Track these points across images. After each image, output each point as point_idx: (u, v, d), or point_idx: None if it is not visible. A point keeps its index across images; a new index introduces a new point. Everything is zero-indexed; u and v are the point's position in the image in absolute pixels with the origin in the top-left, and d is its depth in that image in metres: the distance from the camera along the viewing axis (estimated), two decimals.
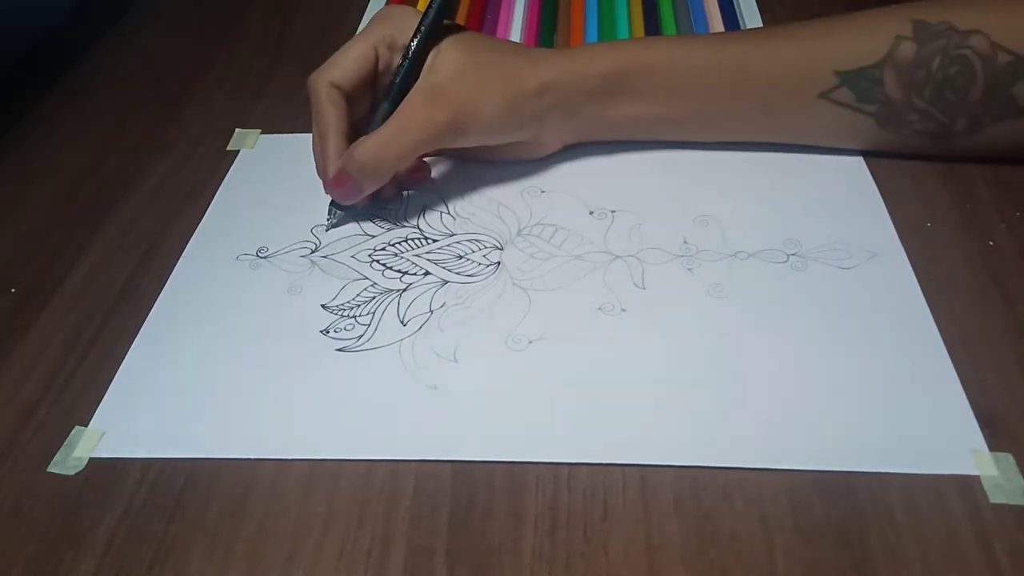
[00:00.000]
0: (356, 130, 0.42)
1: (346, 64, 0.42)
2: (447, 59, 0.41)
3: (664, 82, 0.42)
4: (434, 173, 0.47)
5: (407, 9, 0.43)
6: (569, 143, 0.46)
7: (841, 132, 0.44)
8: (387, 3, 0.53)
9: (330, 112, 0.41)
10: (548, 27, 0.57)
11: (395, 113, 0.41)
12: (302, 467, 0.33)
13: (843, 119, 0.42)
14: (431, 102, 0.40)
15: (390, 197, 0.45)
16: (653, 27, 0.56)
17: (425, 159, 0.46)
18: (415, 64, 0.42)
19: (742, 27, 0.55)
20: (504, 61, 0.42)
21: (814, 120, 0.43)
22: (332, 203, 0.44)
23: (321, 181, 0.43)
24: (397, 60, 0.42)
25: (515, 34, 0.57)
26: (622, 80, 0.42)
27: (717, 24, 0.56)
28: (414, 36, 0.41)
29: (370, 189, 0.42)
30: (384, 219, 0.44)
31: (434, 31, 0.42)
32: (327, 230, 0.44)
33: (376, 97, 0.44)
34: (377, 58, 0.43)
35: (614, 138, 0.46)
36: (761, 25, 0.54)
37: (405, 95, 0.41)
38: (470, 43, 0.42)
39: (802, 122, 0.44)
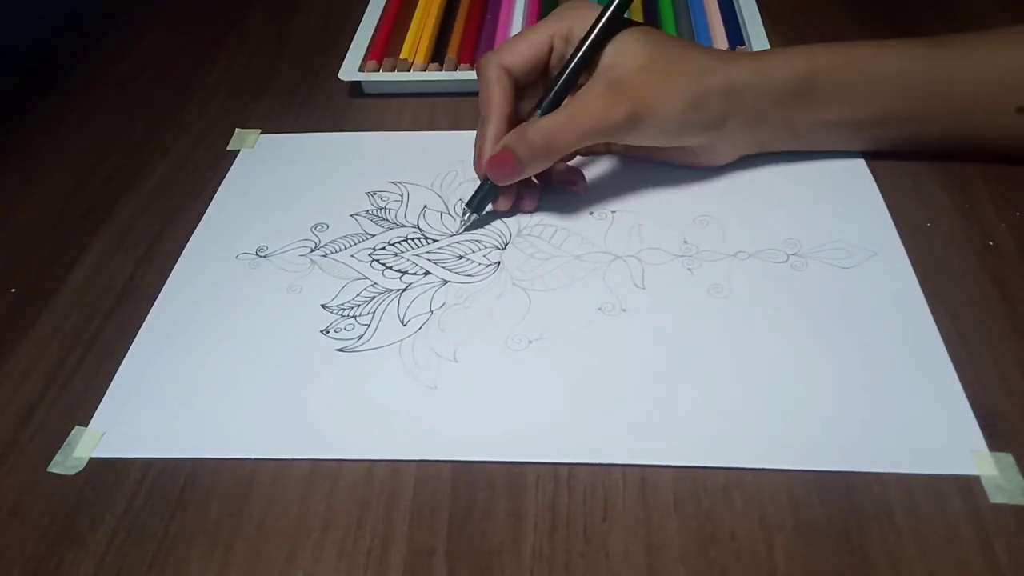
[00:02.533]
0: (519, 119, 0.42)
1: (519, 49, 0.42)
2: (629, 52, 0.40)
3: (856, 88, 0.41)
4: (433, 172, 0.47)
5: (589, 4, 0.42)
6: (746, 153, 0.45)
7: None
8: None
9: (496, 93, 0.41)
10: None
11: (573, 99, 0.40)
12: (302, 467, 0.33)
13: None
14: (612, 92, 0.40)
15: (530, 209, 0.44)
16: (653, 27, 0.56)
17: (582, 169, 0.45)
18: (588, 55, 0.41)
19: (742, 27, 0.55)
20: (690, 57, 0.41)
21: (1009, 133, 0.42)
22: (469, 203, 0.43)
23: (473, 165, 0.43)
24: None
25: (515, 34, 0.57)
26: (813, 84, 0.41)
27: (717, 24, 0.56)
28: (592, 27, 0.41)
29: (531, 172, 0.41)
30: (384, 219, 0.44)
31: (613, 24, 0.41)
32: (459, 231, 0.43)
33: (545, 89, 0.43)
34: (551, 49, 0.42)
35: (793, 148, 0.44)
36: (761, 24, 0.54)
37: (572, 85, 0.41)
38: (653, 38, 0.41)
39: (996, 134, 0.42)
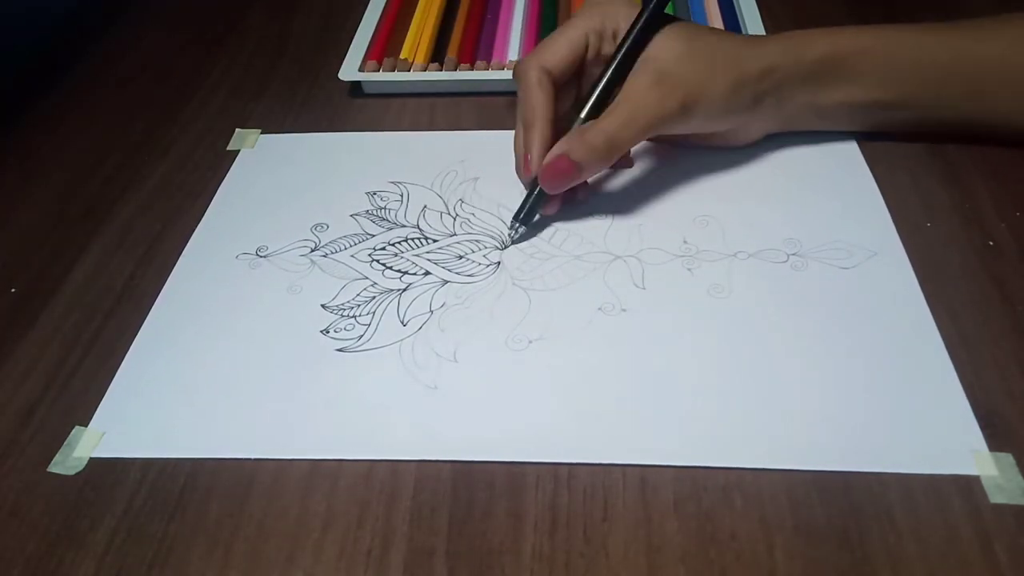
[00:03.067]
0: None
1: (557, 49, 0.42)
2: (665, 45, 0.41)
3: (878, 67, 0.42)
4: (433, 172, 0.47)
5: None
6: (772, 131, 0.45)
7: None
8: None
9: (539, 97, 0.41)
10: (548, 28, 0.57)
11: (621, 98, 0.40)
12: (302, 467, 0.33)
13: None
14: (659, 85, 0.40)
15: (584, 199, 0.44)
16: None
17: None
18: (633, 52, 0.41)
19: (742, 26, 0.55)
20: (724, 45, 0.42)
21: None
22: (517, 216, 0.42)
23: (517, 167, 0.43)
24: (607, 49, 0.42)
25: (515, 34, 0.57)
26: (837, 64, 0.42)
27: (717, 23, 0.56)
28: (635, 22, 0.41)
29: (589, 175, 0.41)
30: (384, 219, 0.44)
31: (656, 19, 0.41)
32: (506, 246, 0.42)
33: (580, 87, 0.44)
34: (587, 47, 0.42)
35: (817, 127, 0.45)
36: (760, 24, 0.54)
37: (616, 84, 0.41)
38: (686, 29, 0.42)
39: (1015, 109, 0.43)
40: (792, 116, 0.44)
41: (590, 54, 0.43)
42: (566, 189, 0.41)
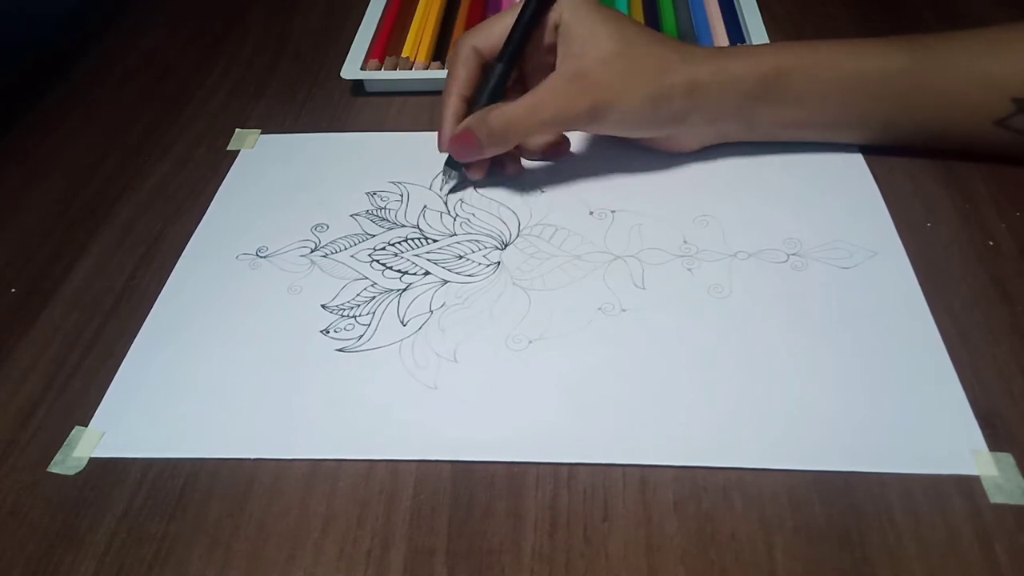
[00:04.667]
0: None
1: (492, 32, 0.43)
2: (595, 41, 0.41)
3: (822, 89, 0.41)
4: (434, 172, 0.47)
5: None
6: (709, 144, 0.45)
7: (1019, 155, 0.42)
8: None
9: (460, 73, 0.43)
10: None
11: (538, 87, 0.41)
12: (302, 467, 0.33)
13: (1021, 146, 0.41)
14: (573, 84, 0.40)
15: (514, 173, 0.45)
16: (653, 27, 0.56)
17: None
18: (528, 24, 0.42)
19: (743, 26, 0.55)
20: (654, 53, 0.41)
21: (986, 142, 0.42)
22: (447, 164, 0.44)
23: (437, 143, 0.44)
24: (548, 37, 0.42)
25: None
26: (776, 84, 0.41)
27: (718, 24, 0.56)
28: None
29: (490, 154, 0.43)
30: (384, 219, 0.44)
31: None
32: (445, 192, 0.45)
33: (522, 69, 0.44)
34: None
35: (754, 139, 0.45)
36: (761, 24, 0.54)
37: (519, 54, 0.42)
38: (620, 30, 0.41)
39: (973, 144, 0.42)
40: (728, 131, 0.44)
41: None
42: (473, 159, 0.43)
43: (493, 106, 0.42)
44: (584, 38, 0.41)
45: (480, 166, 0.44)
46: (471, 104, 0.43)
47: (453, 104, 0.43)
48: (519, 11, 0.42)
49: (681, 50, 0.42)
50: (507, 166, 0.45)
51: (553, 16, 0.42)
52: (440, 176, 0.45)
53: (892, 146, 0.44)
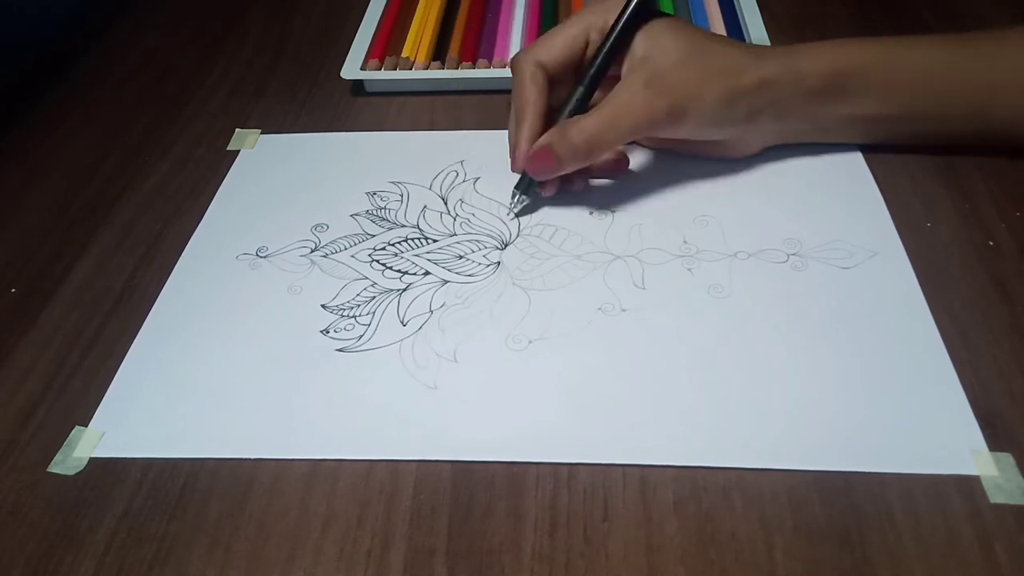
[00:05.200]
0: (552, 113, 0.43)
1: (554, 45, 0.42)
2: (663, 47, 0.41)
3: (883, 84, 0.41)
4: (433, 172, 0.47)
5: None
6: (771, 144, 0.45)
7: None
8: None
9: (531, 91, 0.42)
10: (549, 26, 0.57)
11: (611, 96, 0.40)
12: (302, 467, 0.33)
13: None
14: (650, 89, 0.40)
15: (581, 189, 0.44)
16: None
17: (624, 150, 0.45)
18: (617, 47, 0.41)
19: (743, 26, 0.55)
20: (723, 52, 0.41)
21: None
22: (517, 187, 0.43)
23: (510, 162, 0.43)
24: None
25: (515, 34, 0.57)
26: (841, 80, 0.41)
27: (718, 24, 0.56)
28: (619, 17, 0.41)
29: (571, 169, 0.41)
30: (384, 219, 0.44)
31: (643, 10, 0.41)
32: (511, 216, 0.44)
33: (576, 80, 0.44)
34: (587, 43, 0.42)
35: (818, 140, 0.45)
36: (761, 24, 0.54)
37: (603, 73, 0.41)
38: (686, 33, 0.41)
39: (1019, 131, 0.42)
40: (791, 130, 0.44)
41: (589, 51, 0.43)
42: (550, 176, 0.42)
43: (569, 121, 0.41)
44: (651, 46, 0.41)
45: (553, 183, 0.43)
46: (546, 123, 0.42)
47: (531, 123, 0.42)
48: (599, 46, 0.42)
49: (749, 50, 0.42)
50: (575, 182, 0.44)
51: (610, 23, 0.42)
52: (513, 199, 0.43)
53: (948, 144, 0.44)
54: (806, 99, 0.42)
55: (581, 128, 0.40)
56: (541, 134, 0.41)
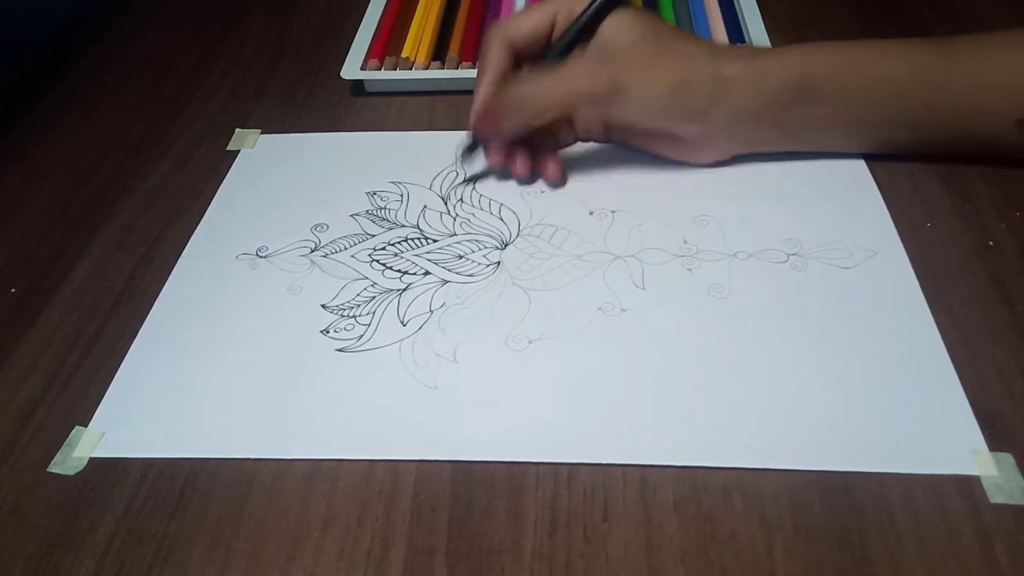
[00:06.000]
0: None
1: (523, 23, 0.43)
2: (624, 30, 0.42)
3: (851, 91, 0.41)
4: (433, 172, 0.47)
5: None
6: (737, 152, 0.45)
7: None
8: None
9: (492, 61, 0.43)
10: None
11: (557, 68, 0.41)
12: (302, 467, 0.33)
13: None
14: (597, 65, 0.41)
15: (521, 174, 0.45)
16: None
17: (560, 161, 0.45)
18: (581, 32, 0.42)
19: (743, 26, 0.55)
20: (683, 43, 0.42)
21: (1009, 142, 0.41)
22: (468, 146, 0.45)
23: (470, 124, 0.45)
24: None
25: None
26: (807, 85, 0.41)
27: (718, 23, 0.56)
28: (587, 6, 0.42)
29: (510, 129, 0.43)
30: (384, 219, 0.44)
31: (609, 4, 0.42)
32: (462, 179, 0.45)
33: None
34: (554, 23, 0.43)
35: (785, 148, 0.44)
36: (761, 24, 0.54)
37: (564, 55, 0.42)
38: (650, 21, 0.42)
39: (995, 143, 0.42)
40: (756, 136, 0.43)
41: (556, 32, 0.43)
42: (497, 139, 0.44)
43: (510, 82, 0.42)
44: (613, 29, 0.42)
45: (498, 151, 0.45)
46: None
47: (484, 90, 0.43)
48: (566, 29, 0.42)
49: (711, 46, 0.43)
50: (516, 161, 0.45)
51: (578, 10, 0.42)
52: (458, 155, 0.45)
53: (917, 152, 0.43)
54: (770, 103, 0.41)
55: (517, 84, 0.42)
56: (492, 95, 0.43)
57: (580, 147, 0.47)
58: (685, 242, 0.41)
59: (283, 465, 0.33)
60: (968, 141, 0.42)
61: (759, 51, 0.42)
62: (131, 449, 0.34)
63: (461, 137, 0.46)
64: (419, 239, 0.43)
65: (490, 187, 0.46)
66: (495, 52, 0.43)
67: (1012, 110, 0.40)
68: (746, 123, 0.42)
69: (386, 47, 0.56)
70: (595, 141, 0.46)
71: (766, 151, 0.45)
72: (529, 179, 0.45)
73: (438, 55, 0.55)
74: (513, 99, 0.42)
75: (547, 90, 0.41)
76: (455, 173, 0.47)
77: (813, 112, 0.42)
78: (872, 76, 0.41)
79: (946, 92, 0.41)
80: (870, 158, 0.45)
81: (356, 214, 0.45)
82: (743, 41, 0.54)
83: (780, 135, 0.43)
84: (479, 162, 0.46)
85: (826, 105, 0.41)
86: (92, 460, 0.34)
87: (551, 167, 0.45)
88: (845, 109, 0.42)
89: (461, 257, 0.42)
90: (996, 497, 0.31)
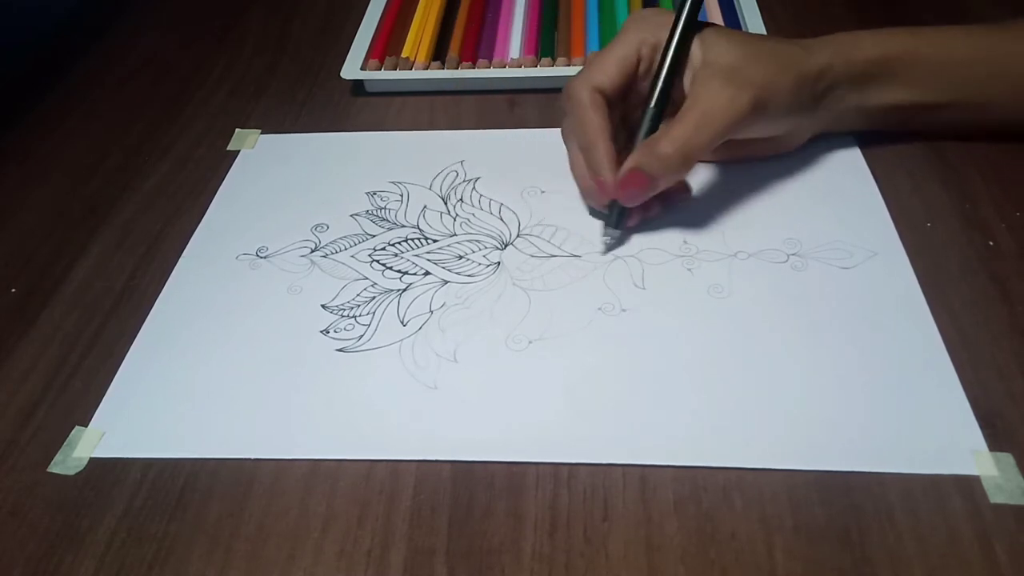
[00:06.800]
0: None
1: (608, 68, 0.41)
2: (722, 49, 0.40)
3: (926, 69, 0.42)
4: (433, 172, 0.47)
5: (661, 10, 0.42)
6: (817, 133, 0.45)
7: None
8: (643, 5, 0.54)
9: (596, 117, 0.40)
10: (548, 28, 0.57)
11: (691, 103, 0.39)
12: (302, 467, 0.33)
13: None
14: (730, 83, 0.39)
15: (655, 215, 0.42)
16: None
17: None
18: (677, 58, 0.40)
19: (743, 26, 0.55)
20: (779, 46, 0.41)
21: None
22: (607, 222, 0.41)
23: (582, 191, 0.42)
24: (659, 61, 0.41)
25: (515, 34, 0.57)
26: (886, 67, 0.41)
27: (717, 23, 0.55)
28: (672, 29, 0.40)
29: (665, 186, 0.40)
30: (384, 219, 0.44)
31: (693, 23, 0.40)
32: (605, 252, 0.41)
33: (626, 103, 0.42)
34: (639, 60, 0.41)
35: (861, 128, 0.45)
36: (761, 24, 0.54)
37: (670, 90, 0.40)
38: (735, 34, 0.41)
39: None
40: (837, 118, 0.43)
41: (642, 68, 0.42)
42: (645, 199, 0.40)
43: (652, 138, 0.39)
44: (708, 52, 0.40)
45: (638, 210, 0.41)
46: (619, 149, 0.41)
47: (606, 150, 0.40)
48: (662, 49, 0.41)
49: (794, 42, 0.42)
50: (652, 207, 0.42)
51: (662, 39, 0.41)
52: (605, 235, 0.42)
53: (992, 132, 0.44)
54: (854, 84, 0.42)
55: (672, 138, 0.38)
56: (616, 158, 0.40)
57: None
58: (685, 242, 0.41)
59: (283, 465, 0.33)
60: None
61: (834, 39, 0.42)
62: (131, 449, 0.34)
63: (599, 227, 0.42)
64: (419, 239, 0.43)
65: (490, 187, 0.46)
66: (593, 111, 0.40)
67: None
68: (832, 108, 0.42)
69: (386, 47, 0.56)
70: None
71: (843, 131, 0.45)
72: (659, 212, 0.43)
73: (438, 55, 0.55)
74: (664, 155, 0.38)
75: (696, 132, 0.38)
76: (455, 173, 0.47)
77: (889, 94, 0.42)
78: (946, 57, 0.42)
79: (1009, 67, 0.42)
80: (868, 152, 0.45)
81: (356, 214, 0.45)
82: None
83: (859, 116, 0.44)
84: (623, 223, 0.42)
85: (900, 86, 0.42)
86: (92, 460, 0.34)
87: (682, 191, 0.43)
88: (921, 90, 0.42)
89: (461, 257, 0.42)
90: (996, 497, 0.31)
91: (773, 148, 0.44)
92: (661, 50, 0.41)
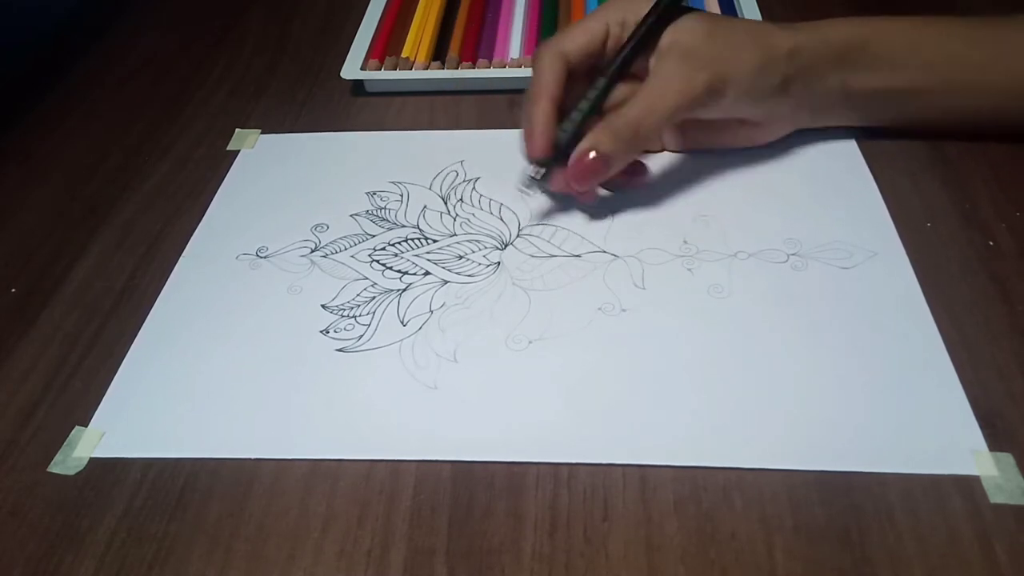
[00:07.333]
0: (566, 108, 0.41)
1: (577, 36, 0.42)
2: (689, 29, 0.40)
3: (910, 51, 0.42)
4: (433, 172, 0.47)
5: None
6: (802, 126, 0.45)
7: None
8: None
9: (547, 76, 0.41)
10: (548, 28, 0.57)
11: (647, 82, 0.39)
12: (302, 467, 0.33)
13: None
14: (686, 63, 0.39)
15: (590, 201, 0.43)
16: None
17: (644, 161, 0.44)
18: (645, 40, 0.40)
19: None
20: (748, 26, 0.41)
21: None
22: (540, 176, 0.42)
23: (526, 148, 0.42)
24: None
25: (515, 34, 0.57)
26: (866, 48, 0.41)
27: None
28: (650, 11, 0.40)
29: (620, 166, 0.40)
30: (384, 219, 0.44)
31: (671, 8, 0.40)
32: (529, 187, 0.42)
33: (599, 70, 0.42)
34: (607, 36, 0.42)
35: (847, 120, 0.45)
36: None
37: (626, 68, 0.41)
38: (706, 15, 0.41)
39: None
40: (822, 105, 0.43)
41: (610, 43, 0.42)
42: (602, 177, 0.41)
43: (608, 118, 0.40)
44: (676, 33, 0.40)
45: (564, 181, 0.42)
46: (562, 112, 0.41)
47: (545, 108, 0.40)
48: (629, 27, 0.41)
49: (769, 24, 0.42)
50: (638, 175, 0.43)
51: (631, 19, 0.41)
52: (527, 174, 0.42)
53: (980, 124, 0.44)
54: (833, 65, 0.41)
55: (624, 116, 0.39)
56: (554, 121, 0.41)
57: None
58: (685, 242, 0.41)
59: (283, 465, 0.33)
60: (1016, 113, 0.43)
61: (815, 22, 0.42)
62: (131, 449, 0.34)
63: (523, 169, 0.43)
64: (419, 239, 0.43)
65: (490, 187, 0.46)
66: (549, 67, 0.41)
67: None
68: (815, 92, 0.42)
69: (386, 47, 0.56)
70: (668, 151, 0.46)
71: (831, 124, 0.45)
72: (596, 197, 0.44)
73: (438, 55, 0.55)
74: (618, 130, 0.39)
75: (649, 112, 0.39)
76: (455, 173, 0.47)
77: (872, 76, 0.42)
78: (926, 41, 0.42)
79: (998, 62, 0.41)
80: (868, 151, 0.45)
81: (356, 214, 0.45)
82: None
83: (843, 103, 0.43)
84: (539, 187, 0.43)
85: (883, 68, 0.42)
86: (92, 460, 0.34)
87: (642, 175, 0.43)
88: (903, 73, 0.42)
89: (461, 257, 0.42)
90: (996, 497, 0.31)
91: (751, 137, 0.44)
92: (630, 29, 0.41)
